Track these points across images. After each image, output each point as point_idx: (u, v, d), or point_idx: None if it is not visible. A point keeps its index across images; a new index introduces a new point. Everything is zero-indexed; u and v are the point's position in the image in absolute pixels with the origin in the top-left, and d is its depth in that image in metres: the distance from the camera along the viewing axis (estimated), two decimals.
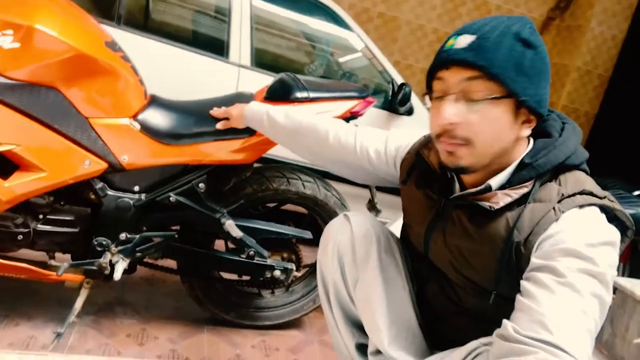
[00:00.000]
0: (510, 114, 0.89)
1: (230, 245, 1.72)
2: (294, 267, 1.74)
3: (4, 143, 1.29)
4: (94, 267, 1.49)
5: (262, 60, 2.65)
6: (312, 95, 1.56)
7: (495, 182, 0.93)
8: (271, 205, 1.86)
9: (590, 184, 0.91)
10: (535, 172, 0.91)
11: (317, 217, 1.79)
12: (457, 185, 1.02)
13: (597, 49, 4.34)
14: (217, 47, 2.53)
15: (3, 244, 1.42)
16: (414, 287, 1.18)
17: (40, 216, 1.44)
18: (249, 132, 1.52)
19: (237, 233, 1.57)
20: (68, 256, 1.55)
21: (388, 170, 1.23)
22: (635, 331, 1.65)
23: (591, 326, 0.78)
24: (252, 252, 1.64)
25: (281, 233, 1.70)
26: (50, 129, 1.34)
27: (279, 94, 1.58)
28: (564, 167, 0.93)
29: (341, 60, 3.18)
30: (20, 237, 1.41)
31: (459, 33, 0.90)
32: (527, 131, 0.93)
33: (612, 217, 0.90)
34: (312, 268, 1.90)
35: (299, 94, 1.55)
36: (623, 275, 2.17)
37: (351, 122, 1.67)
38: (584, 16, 4.34)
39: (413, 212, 1.14)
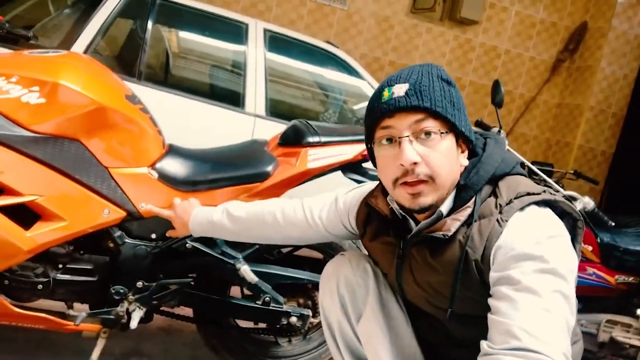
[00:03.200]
0: (455, 145, 0.98)
1: (246, 292, 1.72)
2: (311, 314, 1.72)
3: (27, 194, 1.33)
4: (111, 316, 1.49)
5: (277, 110, 2.74)
6: (323, 139, 1.59)
7: (444, 208, 0.98)
8: (286, 250, 1.86)
9: (523, 184, 0.96)
10: (472, 190, 0.97)
11: None
12: (412, 223, 1.05)
13: (610, 89, 4.35)
14: (234, 99, 2.63)
15: (23, 293, 1.44)
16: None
17: (60, 265, 1.46)
18: (262, 176, 1.55)
19: (252, 278, 1.57)
20: (86, 306, 1.56)
21: (346, 229, 1.25)
22: None
23: (559, 322, 0.80)
24: (267, 298, 1.63)
25: (297, 278, 1.69)
26: (71, 179, 1.39)
27: (292, 140, 1.62)
28: (497, 178, 0.98)
29: (355, 107, 3.26)
30: (40, 286, 1.43)
31: (390, 84, 0.98)
32: (465, 160, 1.00)
33: (561, 212, 0.94)
34: None
35: (310, 139, 1.58)
36: None
37: (364, 164, 1.70)
38: (593, 57, 4.39)
39: (380, 261, 1.17)
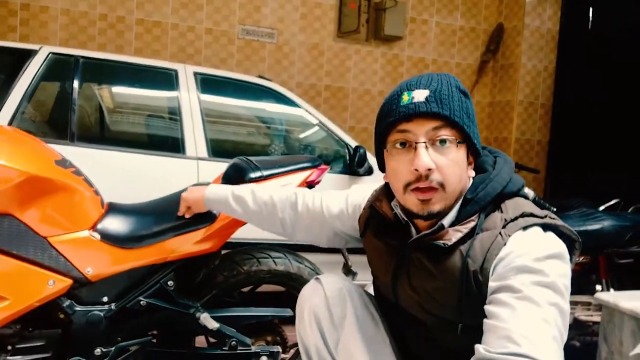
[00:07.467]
0: (465, 156, 0.99)
1: (211, 340, 1.68)
2: (280, 350, 1.69)
3: None
4: None
5: (220, 149, 2.72)
6: (265, 173, 1.60)
7: (446, 221, 0.99)
8: (246, 289, 1.83)
9: (529, 206, 0.97)
10: (478, 205, 0.98)
11: (294, 292, 1.76)
12: (413, 230, 1.06)
13: (534, 82, 4.61)
14: (174, 145, 2.60)
15: None
16: (394, 338, 1.17)
17: (9, 347, 1.39)
18: (209, 220, 1.53)
19: (213, 325, 1.53)
20: None
21: (354, 229, 1.26)
22: (630, 343, 1.64)
23: (555, 333, 0.82)
24: (234, 342, 1.59)
25: (260, 316, 1.67)
26: (8, 255, 1.33)
27: (234, 178, 1.61)
28: (503, 196, 0.99)
29: (300, 136, 3.29)
30: None
31: (410, 89, 0.98)
32: (472, 172, 1.01)
33: (559, 233, 0.95)
34: None
35: (252, 175, 1.58)
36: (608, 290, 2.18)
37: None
38: (513, 54, 4.65)
39: (376, 262, 1.17)
